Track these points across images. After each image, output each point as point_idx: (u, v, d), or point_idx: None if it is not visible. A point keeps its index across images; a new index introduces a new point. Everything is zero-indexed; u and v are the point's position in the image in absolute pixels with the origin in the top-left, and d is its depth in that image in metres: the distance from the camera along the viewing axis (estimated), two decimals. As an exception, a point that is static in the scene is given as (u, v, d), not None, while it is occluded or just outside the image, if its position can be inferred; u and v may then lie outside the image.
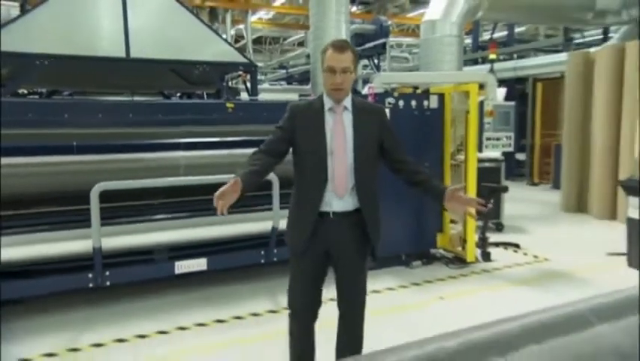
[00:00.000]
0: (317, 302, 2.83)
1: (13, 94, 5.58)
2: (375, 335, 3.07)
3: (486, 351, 1.27)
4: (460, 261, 5.75)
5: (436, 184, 2.73)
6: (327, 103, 2.67)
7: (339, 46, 2.61)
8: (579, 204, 8.44)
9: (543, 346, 1.32)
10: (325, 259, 2.75)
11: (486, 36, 14.81)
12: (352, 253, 2.74)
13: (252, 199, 4.97)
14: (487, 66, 11.42)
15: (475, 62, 13.70)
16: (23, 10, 7.50)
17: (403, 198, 5.46)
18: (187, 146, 4.96)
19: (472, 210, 2.63)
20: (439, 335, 1.36)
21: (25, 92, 7.67)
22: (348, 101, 2.68)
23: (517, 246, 6.46)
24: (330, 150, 2.61)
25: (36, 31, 5.10)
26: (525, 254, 6.21)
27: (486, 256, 5.87)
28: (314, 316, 2.85)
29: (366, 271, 2.89)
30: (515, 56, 12.62)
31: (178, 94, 8.42)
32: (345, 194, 2.64)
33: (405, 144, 5.21)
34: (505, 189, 7.05)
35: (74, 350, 3.75)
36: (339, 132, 2.64)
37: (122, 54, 5.33)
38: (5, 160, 4.20)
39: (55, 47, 5.10)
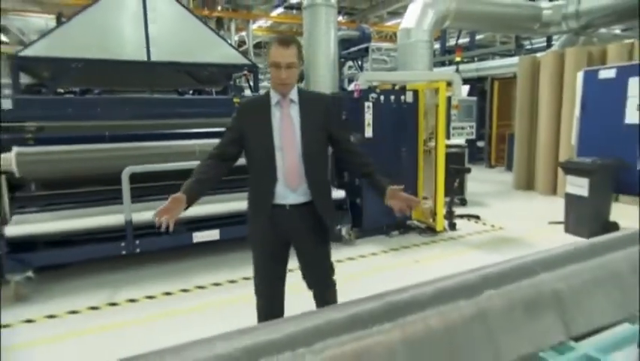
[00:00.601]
0: (281, 288, 2.55)
1: (53, 93, 5.56)
2: (358, 293, 3.12)
3: (456, 295, 1.36)
4: (431, 230, 5.84)
5: (379, 179, 2.36)
6: (274, 97, 2.31)
7: (284, 41, 2.22)
8: (527, 183, 8.54)
9: (499, 290, 1.41)
10: (285, 248, 2.45)
11: (452, 42, 14.78)
12: (312, 241, 2.45)
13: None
14: (454, 67, 11.41)
15: (442, 63, 13.63)
16: (59, 22, 7.37)
17: (382, 174, 5.52)
18: (200, 135, 4.98)
19: (404, 208, 2.28)
20: (417, 283, 1.45)
21: (62, 90, 7.59)
22: (294, 94, 2.33)
23: (477, 217, 6.55)
24: (279, 145, 2.27)
25: (71, 39, 5.07)
26: (484, 224, 6.30)
27: (452, 226, 5.96)
28: (280, 298, 2.57)
29: (329, 253, 2.57)
30: (476, 58, 12.64)
31: (190, 91, 8.38)
32: (298, 187, 2.31)
33: (387, 135, 5.40)
34: (469, 170, 7.14)
35: (113, 304, 3.83)
36: (287, 126, 2.28)
37: (144, 58, 5.33)
38: (49, 148, 4.23)
39: (88, 52, 5.08)
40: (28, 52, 5.17)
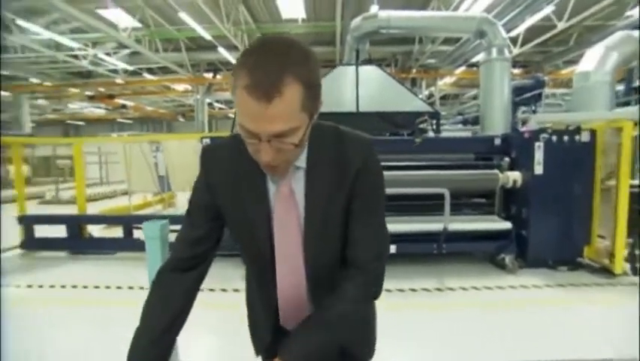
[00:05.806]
0: None
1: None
2: (519, 320, 2.40)
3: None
4: (606, 271, 4.27)
5: (307, 324, 0.85)
6: None
7: (263, 88, 0.65)
8: None
9: None
10: None
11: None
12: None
13: (428, 207, 4.54)
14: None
15: (626, 103, 10.38)
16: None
17: (550, 209, 4.37)
18: (402, 167, 4.56)
19: None
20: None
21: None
22: (302, 159, 0.84)
23: (669, 263, 4.61)
24: (277, 253, 0.89)
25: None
26: (680, 272, 4.38)
27: (635, 271, 4.24)
28: None
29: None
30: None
31: (387, 133, 8.32)
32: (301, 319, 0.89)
33: (558, 172, 4.28)
34: (657, 212, 5.14)
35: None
36: (288, 219, 0.86)
37: (354, 109, 5.60)
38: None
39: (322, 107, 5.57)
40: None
